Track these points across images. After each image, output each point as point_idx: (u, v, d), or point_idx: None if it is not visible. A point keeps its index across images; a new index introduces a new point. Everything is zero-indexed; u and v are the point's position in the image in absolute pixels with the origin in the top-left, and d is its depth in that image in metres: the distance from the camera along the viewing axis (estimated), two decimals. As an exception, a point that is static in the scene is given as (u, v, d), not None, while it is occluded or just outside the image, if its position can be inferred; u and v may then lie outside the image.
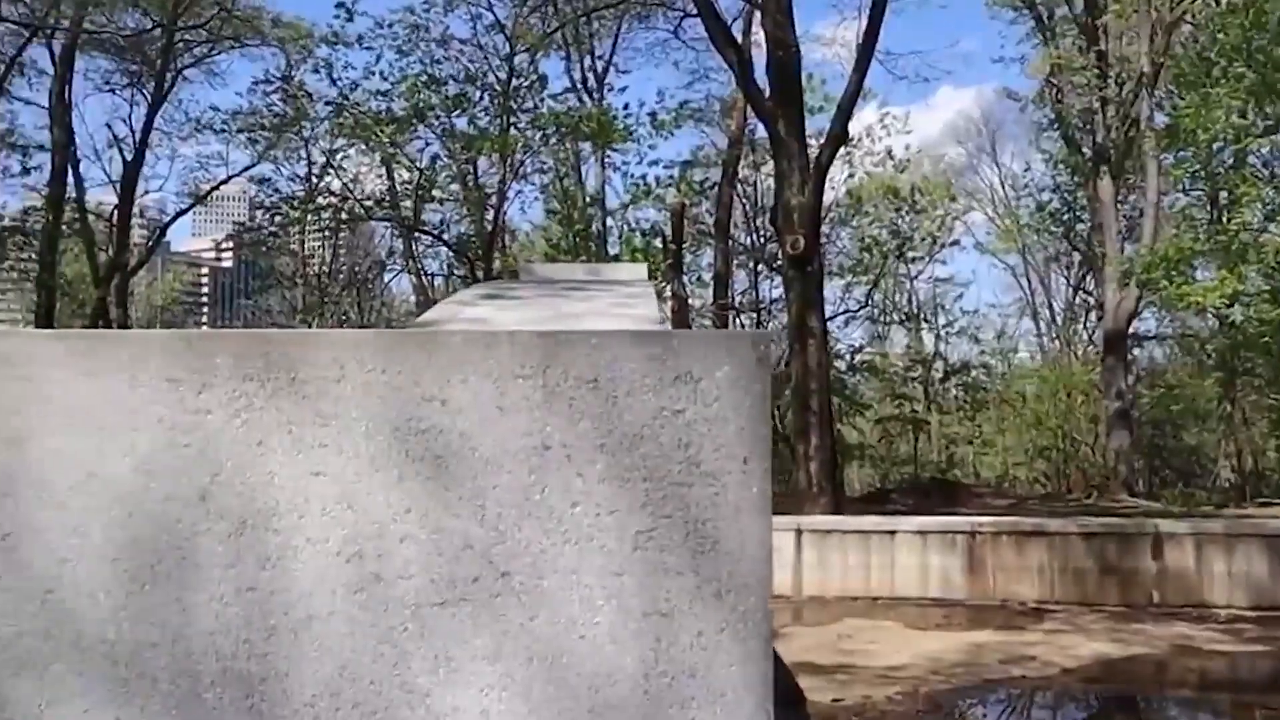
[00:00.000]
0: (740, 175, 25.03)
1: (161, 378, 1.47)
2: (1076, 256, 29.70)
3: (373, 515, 1.48)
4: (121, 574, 1.47)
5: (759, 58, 16.00)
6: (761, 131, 26.77)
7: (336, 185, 22.27)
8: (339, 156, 20.72)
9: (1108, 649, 6.82)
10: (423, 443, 1.48)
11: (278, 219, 19.93)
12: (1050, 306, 34.26)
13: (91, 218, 26.38)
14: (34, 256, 24.03)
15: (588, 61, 25.68)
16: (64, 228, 23.84)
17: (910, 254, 28.02)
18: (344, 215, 21.43)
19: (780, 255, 17.03)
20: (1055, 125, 24.43)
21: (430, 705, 1.47)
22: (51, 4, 22.40)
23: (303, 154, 28.27)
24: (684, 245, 23.71)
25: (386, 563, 1.48)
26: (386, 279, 40.51)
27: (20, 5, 23.62)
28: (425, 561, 1.48)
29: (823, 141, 14.74)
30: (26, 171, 24.46)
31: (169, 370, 1.48)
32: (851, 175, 25.90)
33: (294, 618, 1.47)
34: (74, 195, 25.20)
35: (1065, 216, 27.85)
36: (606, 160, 23.89)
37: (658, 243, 23.56)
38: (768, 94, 14.47)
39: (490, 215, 23.23)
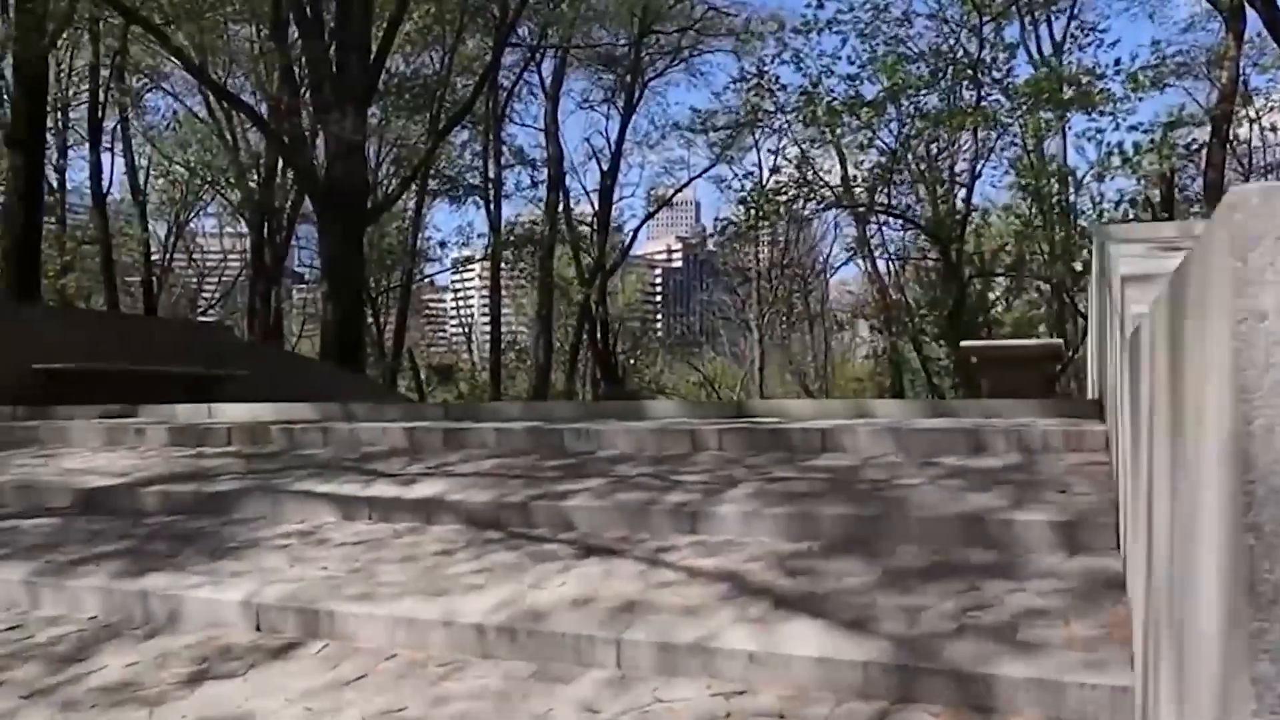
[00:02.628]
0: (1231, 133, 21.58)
1: None
2: None
3: None
4: None
5: None
6: (1255, 80, 22.84)
7: (791, 178, 22.18)
8: (810, 145, 20.52)
9: None
10: None
11: (754, 212, 20.12)
12: None
13: (576, 224, 28.84)
14: (536, 261, 26.64)
15: (1055, 23, 23.48)
16: (559, 234, 26.20)
17: None
18: (812, 204, 21.17)
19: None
20: None
21: None
22: (541, 32, 24.61)
23: (762, 150, 28.72)
24: (1175, 214, 20.75)
25: None
26: (829, 271, 40.11)
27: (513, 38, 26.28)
28: None
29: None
30: (534, 185, 27.21)
31: None
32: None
33: None
34: (563, 206, 27.67)
35: None
36: (1082, 127, 21.64)
37: (1136, 214, 20.72)
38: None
39: (961, 193, 21.88)
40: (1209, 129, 20.98)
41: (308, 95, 16.94)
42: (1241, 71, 20.78)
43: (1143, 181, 21.23)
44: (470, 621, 3.42)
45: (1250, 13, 20.18)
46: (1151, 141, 20.02)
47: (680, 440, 5.34)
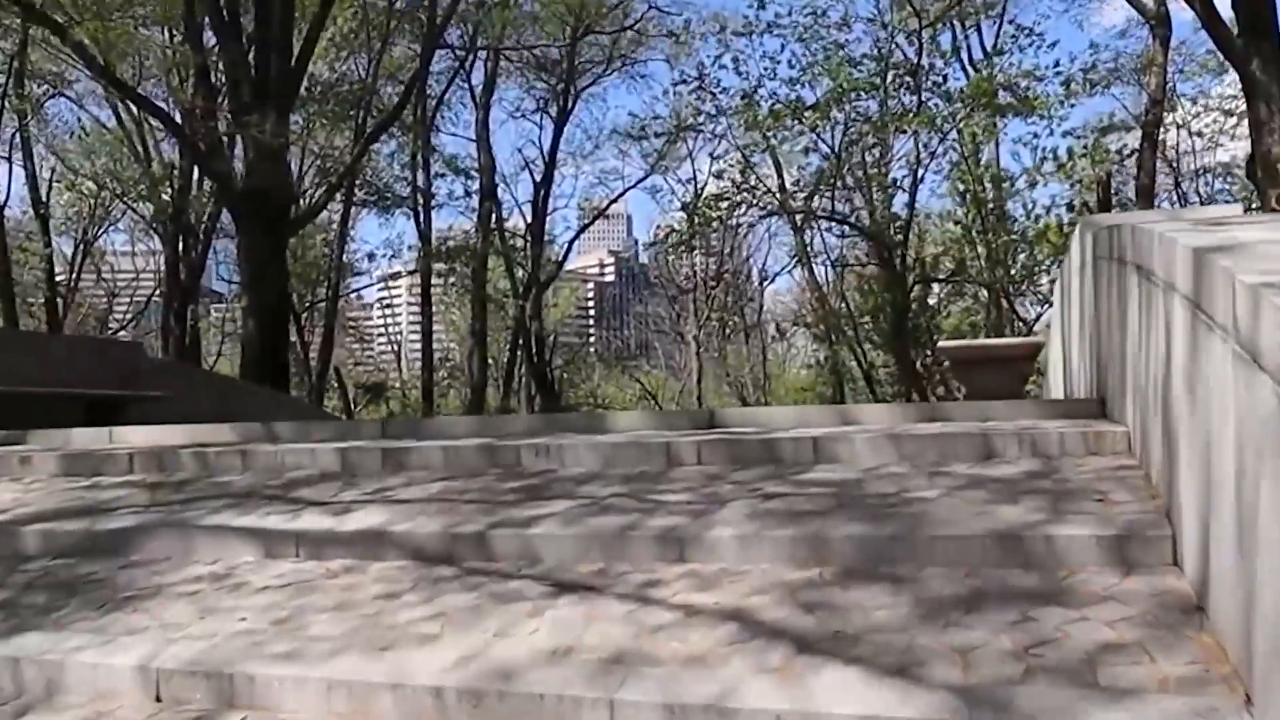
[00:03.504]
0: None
1: None
2: None
3: None
4: None
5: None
6: (1181, 87, 23.28)
7: (733, 183, 21.75)
8: (751, 150, 20.09)
9: None
10: None
11: (696, 219, 19.63)
12: None
13: (509, 236, 28.11)
14: (470, 273, 25.82)
15: (990, 28, 23.60)
16: (492, 246, 25.41)
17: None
18: (754, 211, 20.75)
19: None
20: None
21: None
22: (472, 37, 23.91)
23: (699, 158, 28.44)
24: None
25: None
26: (765, 281, 40.00)
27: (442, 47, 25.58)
28: None
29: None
30: (466, 195, 26.38)
31: None
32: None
33: None
34: (494, 217, 26.93)
35: None
36: (1017, 133, 21.77)
37: (1074, 217, 20.79)
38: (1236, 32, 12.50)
39: (903, 199, 21.72)
40: (1139, 133, 21.24)
41: (225, 99, 16.00)
42: (1169, 78, 21.17)
43: (1076, 186, 21.40)
44: (425, 683, 2.77)
45: (1175, 20, 20.50)
46: (1085, 147, 20.16)
47: (653, 455, 4.73)
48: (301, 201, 21.26)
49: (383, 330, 45.79)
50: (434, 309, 30.65)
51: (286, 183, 15.97)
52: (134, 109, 22.26)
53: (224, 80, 16.14)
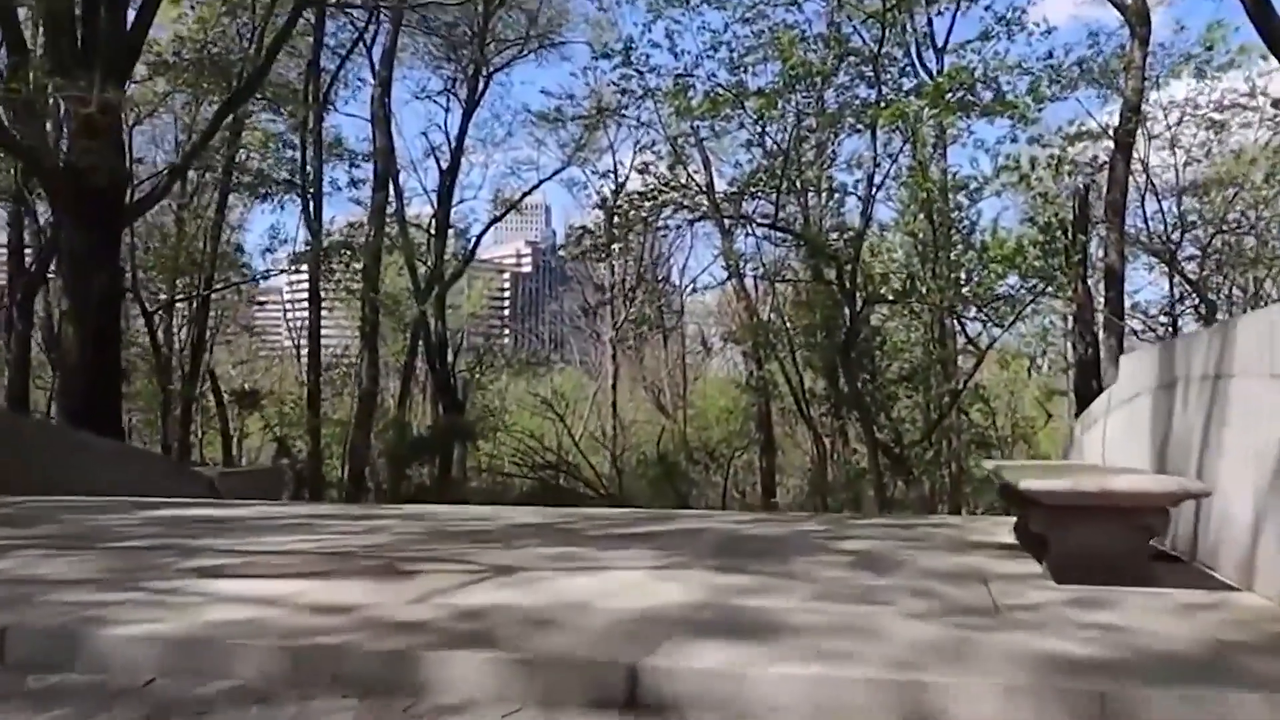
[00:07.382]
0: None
1: None
2: None
3: None
4: None
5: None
6: (1159, 95, 21.37)
7: (660, 179, 19.25)
8: (683, 143, 17.58)
9: None
10: None
11: (616, 219, 17.14)
12: None
13: (410, 229, 25.22)
14: (359, 271, 22.85)
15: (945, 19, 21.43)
16: (386, 240, 22.51)
17: None
18: (683, 213, 18.28)
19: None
20: None
21: None
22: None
23: (622, 149, 25.97)
24: (1088, 236, 18.88)
25: None
26: (688, 286, 37.58)
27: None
28: None
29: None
30: (354, 184, 23.35)
31: None
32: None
33: None
34: (395, 208, 24.04)
35: None
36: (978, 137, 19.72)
37: (1032, 233, 18.86)
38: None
39: (854, 206, 19.55)
40: (1107, 144, 19.26)
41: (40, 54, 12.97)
42: (1147, 82, 19.03)
43: (1039, 200, 19.41)
44: None
45: (1154, 21, 18.58)
46: (1052, 157, 18.20)
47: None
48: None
49: (280, 328, 42.02)
50: (334, 304, 27.47)
51: (118, 162, 13.00)
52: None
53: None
